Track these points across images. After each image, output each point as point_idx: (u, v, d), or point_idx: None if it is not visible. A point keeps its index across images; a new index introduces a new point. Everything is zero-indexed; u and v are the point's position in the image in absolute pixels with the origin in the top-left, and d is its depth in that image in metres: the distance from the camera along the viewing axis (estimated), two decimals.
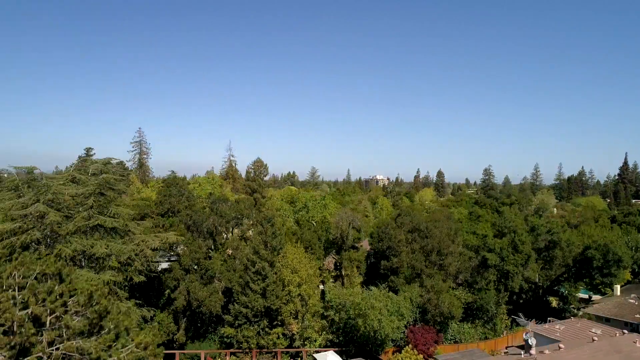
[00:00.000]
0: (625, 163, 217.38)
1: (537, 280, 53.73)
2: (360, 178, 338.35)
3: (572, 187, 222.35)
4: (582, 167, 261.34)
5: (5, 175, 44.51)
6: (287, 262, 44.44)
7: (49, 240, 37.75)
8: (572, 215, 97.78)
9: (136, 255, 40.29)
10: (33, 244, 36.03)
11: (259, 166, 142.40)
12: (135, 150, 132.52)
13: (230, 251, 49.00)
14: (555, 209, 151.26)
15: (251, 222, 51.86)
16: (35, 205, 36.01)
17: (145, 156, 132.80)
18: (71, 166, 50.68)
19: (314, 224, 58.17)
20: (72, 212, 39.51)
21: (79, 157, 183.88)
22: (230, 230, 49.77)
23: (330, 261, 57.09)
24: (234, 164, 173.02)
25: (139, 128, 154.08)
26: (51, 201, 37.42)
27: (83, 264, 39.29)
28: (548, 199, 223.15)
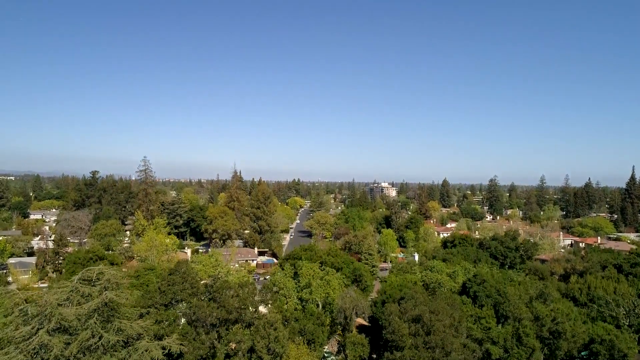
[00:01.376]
0: (633, 178, 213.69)
1: None
2: (364, 189, 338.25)
3: (578, 202, 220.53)
4: (589, 178, 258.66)
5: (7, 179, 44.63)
6: None
7: None
8: (578, 260, 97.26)
9: None
10: None
11: (263, 193, 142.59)
12: (141, 178, 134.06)
13: (234, 345, 49.04)
14: (562, 238, 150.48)
15: (253, 310, 51.78)
16: (38, 334, 36.32)
17: (150, 184, 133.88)
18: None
19: (318, 303, 58.08)
20: (74, 327, 39.80)
21: (84, 177, 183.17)
22: (233, 321, 49.89)
23: (333, 343, 57.14)
24: (239, 182, 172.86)
25: (145, 157, 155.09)
26: (56, 327, 37.68)
27: None
28: (554, 213, 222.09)
